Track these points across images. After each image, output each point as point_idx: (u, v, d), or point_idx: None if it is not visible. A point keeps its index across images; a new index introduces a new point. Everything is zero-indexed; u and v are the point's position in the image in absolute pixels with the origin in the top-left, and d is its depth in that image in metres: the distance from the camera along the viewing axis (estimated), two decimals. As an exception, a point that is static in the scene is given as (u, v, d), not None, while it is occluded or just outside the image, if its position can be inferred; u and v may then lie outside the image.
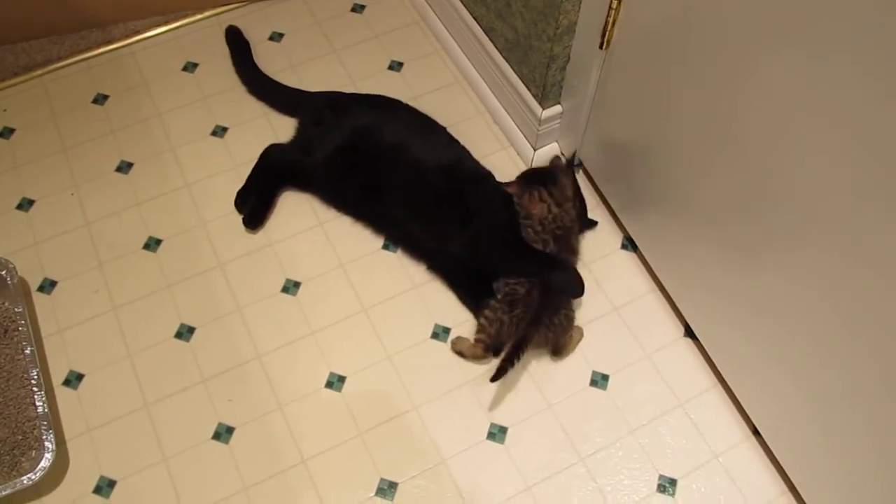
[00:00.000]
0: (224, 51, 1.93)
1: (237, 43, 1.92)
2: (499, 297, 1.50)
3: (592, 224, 1.69)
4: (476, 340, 1.52)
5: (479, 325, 1.52)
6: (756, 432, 1.48)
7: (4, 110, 1.86)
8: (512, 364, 1.42)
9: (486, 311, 1.50)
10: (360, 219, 1.70)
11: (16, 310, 1.53)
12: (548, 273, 1.51)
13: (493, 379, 1.43)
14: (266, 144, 1.75)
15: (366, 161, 1.62)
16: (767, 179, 1.16)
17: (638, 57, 1.38)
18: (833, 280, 1.11)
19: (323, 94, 1.81)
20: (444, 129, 1.73)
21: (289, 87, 1.84)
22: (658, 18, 1.28)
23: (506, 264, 1.53)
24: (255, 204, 1.71)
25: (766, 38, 1.05)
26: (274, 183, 1.74)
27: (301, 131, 1.75)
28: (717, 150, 1.26)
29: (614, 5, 1.36)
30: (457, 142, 1.70)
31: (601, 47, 1.44)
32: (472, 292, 1.59)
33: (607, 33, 1.41)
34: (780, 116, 1.08)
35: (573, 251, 1.59)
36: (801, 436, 1.33)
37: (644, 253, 1.63)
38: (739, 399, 1.48)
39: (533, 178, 1.63)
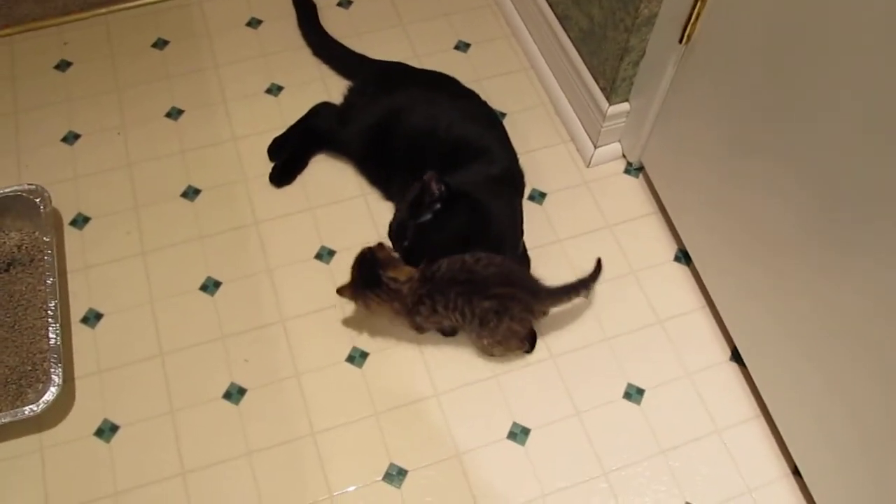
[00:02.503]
0: (290, 11, 1.89)
1: (303, 4, 1.88)
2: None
3: None
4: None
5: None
6: (796, 472, 1.37)
7: (65, 43, 1.84)
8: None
9: (513, 324, 1.37)
10: (388, 199, 1.63)
11: (44, 239, 1.49)
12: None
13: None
14: (319, 109, 1.71)
15: (398, 143, 1.55)
16: (847, 204, 1.06)
17: (719, 55, 1.30)
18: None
19: (382, 63, 1.75)
20: (498, 120, 1.63)
21: (351, 51, 1.78)
22: (747, 14, 1.20)
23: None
24: (286, 159, 1.67)
25: (868, 45, 0.96)
26: (309, 144, 1.69)
27: (347, 98, 1.68)
28: (796, 168, 1.16)
29: (701, -4, 1.28)
30: (504, 142, 1.58)
31: (681, 41, 1.36)
32: None
33: (689, 27, 1.33)
34: (873, 135, 0.99)
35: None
36: (848, 482, 1.23)
37: (698, 267, 1.54)
38: (782, 434, 1.37)
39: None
